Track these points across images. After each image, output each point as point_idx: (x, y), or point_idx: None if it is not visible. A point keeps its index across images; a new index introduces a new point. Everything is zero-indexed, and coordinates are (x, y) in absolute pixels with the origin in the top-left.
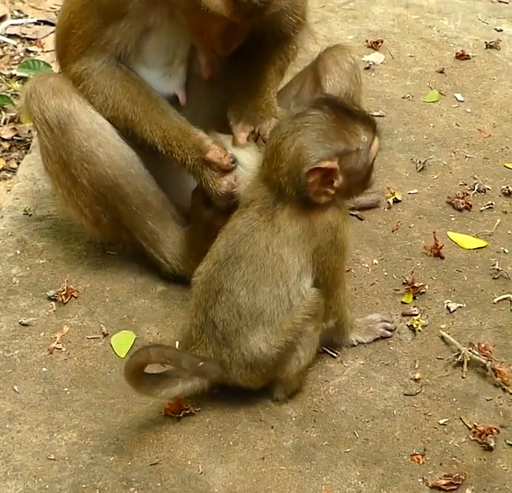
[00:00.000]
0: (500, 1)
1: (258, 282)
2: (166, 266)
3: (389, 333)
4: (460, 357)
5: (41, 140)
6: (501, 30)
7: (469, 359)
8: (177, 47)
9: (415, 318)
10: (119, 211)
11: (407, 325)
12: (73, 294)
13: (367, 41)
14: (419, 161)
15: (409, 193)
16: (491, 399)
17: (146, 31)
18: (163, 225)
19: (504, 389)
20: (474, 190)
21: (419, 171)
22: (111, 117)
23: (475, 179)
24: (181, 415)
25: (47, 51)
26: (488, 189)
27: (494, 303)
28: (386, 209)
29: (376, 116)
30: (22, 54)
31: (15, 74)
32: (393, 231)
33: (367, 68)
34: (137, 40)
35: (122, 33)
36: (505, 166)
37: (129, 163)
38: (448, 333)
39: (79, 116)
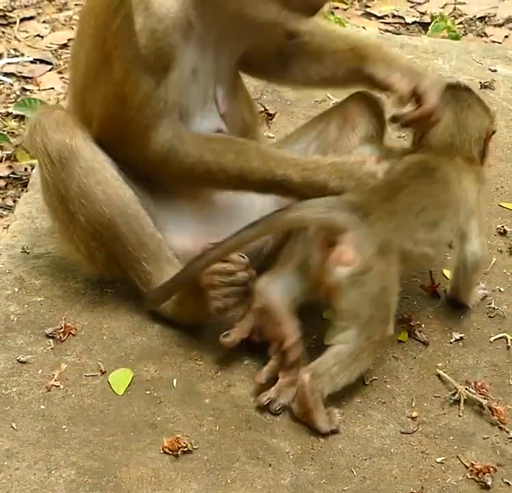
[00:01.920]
0: (493, 41)
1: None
2: (158, 308)
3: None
4: (457, 396)
5: (42, 172)
6: (495, 70)
7: (466, 397)
8: (209, 86)
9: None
10: (114, 249)
11: (404, 364)
12: (71, 331)
13: None
14: None
15: None
16: (488, 437)
17: (192, 74)
18: (157, 266)
19: (500, 428)
20: None
21: None
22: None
23: None
24: (179, 452)
25: (43, 90)
26: None
27: (490, 342)
28: None
29: None
30: (18, 92)
31: (11, 113)
32: None
33: None
34: (182, 89)
35: (173, 86)
36: (500, 205)
37: (126, 203)
38: (445, 371)
39: (80, 153)
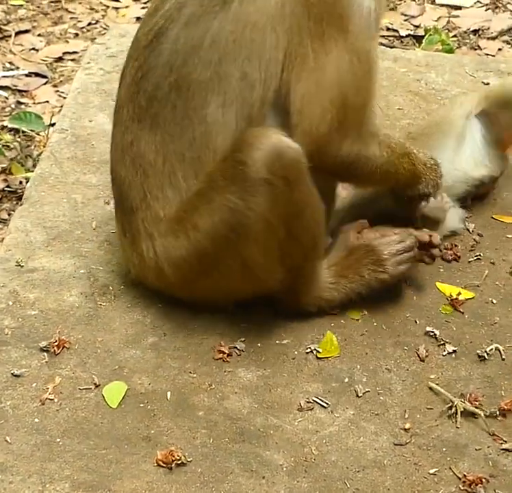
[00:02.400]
0: (487, 54)
1: None
2: None
3: None
4: (453, 408)
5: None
6: (488, 83)
7: (462, 409)
8: None
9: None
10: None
11: (397, 376)
12: (65, 345)
13: None
14: None
15: None
16: (481, 449)
17: None
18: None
19: (494, 439)
20: (462, 241)
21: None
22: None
23: (464, 229)
24: (173, 465)
25: (38, 103)
26: (476, 241)
27: (487, 352)
28: None
29: None
30: (13, 106)
31: (6, 126)
32: None
33: None
34: None
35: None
36: (493, 218)
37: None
38: (437, 383)
39: None
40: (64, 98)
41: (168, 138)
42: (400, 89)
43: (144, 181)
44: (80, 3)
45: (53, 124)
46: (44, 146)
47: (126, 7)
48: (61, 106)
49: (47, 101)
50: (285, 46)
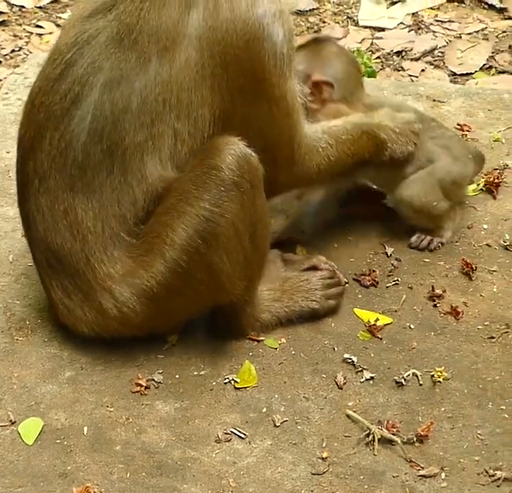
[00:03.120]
0: (410, 75)
1: None
2: None
3: None
4: (370, 437)
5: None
6: None
7: (379, 436)
8: None
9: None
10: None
11: (315, 404)
12: None
13: None
14: None
15: None
16: (398, 476)
17: None
18: None
19: (411, 466)
20: (381, 266)
21: None
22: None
23: (383, 254)
24: None
25: None
26: (394, 266)
27: (404, 378)
28: None
29: None
30: None
31: None
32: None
33: None
34: None
35: None
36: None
37: None
38: (355, 411)
39: None
40: None
41: (107, 203)
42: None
43: (84, 246)
44: (3, 30)
45: None
46: None
47: (50, 33)
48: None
49: None
50: (210, 104)
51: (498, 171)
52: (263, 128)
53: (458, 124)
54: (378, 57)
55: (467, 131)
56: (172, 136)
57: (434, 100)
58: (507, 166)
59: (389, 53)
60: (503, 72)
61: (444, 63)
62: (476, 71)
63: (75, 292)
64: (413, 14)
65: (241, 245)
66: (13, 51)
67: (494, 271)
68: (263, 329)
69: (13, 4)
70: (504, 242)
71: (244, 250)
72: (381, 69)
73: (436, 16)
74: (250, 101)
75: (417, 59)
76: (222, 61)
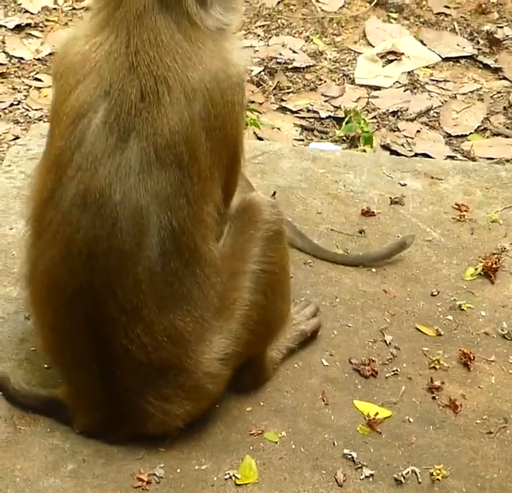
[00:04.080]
0: (405, 136)
1: None
2: None
3: None
4: None
5: None
6: (405, 184)
7: None
8: None
9: None
10: None
11: None
12: None
13: (274, 196)
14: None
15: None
16: None
17: None
18: None
19: None
20: (379, 355)
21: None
22: None
23: (382, 342)
24: None
25: None
26: (393, 355)
27: (404, 476)
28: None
29: None
30: None
31: None
32: (301, 402)
33: None
34: None
35: None
36: (416, 328)
37: None
38: None
39: None
40: None
41: (197, 300)
42: (318, 191)
43: (187, 347)
44: (2, 83)
45: None
46: None
47: (49, 87)
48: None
49: None
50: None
51: (496, 255)
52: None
53: (456, 204)
54: (374, 117)
55: (465, 211)
56: (213, 213)
57: (432, 177)
58: (505, 249)
59: (384, 113)
60: (498, 134)
61: (439, 124)
62: (471, 133)
63: (175, 392)
64: (409, 72)
65: (287, 284)
66: (11, 104)
67: (492, 361)
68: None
69: (12, 55)
70: (502, 330)
71: (288, 288)
72: (377, 129)
73: (431, 75)
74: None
75: (412, 120)
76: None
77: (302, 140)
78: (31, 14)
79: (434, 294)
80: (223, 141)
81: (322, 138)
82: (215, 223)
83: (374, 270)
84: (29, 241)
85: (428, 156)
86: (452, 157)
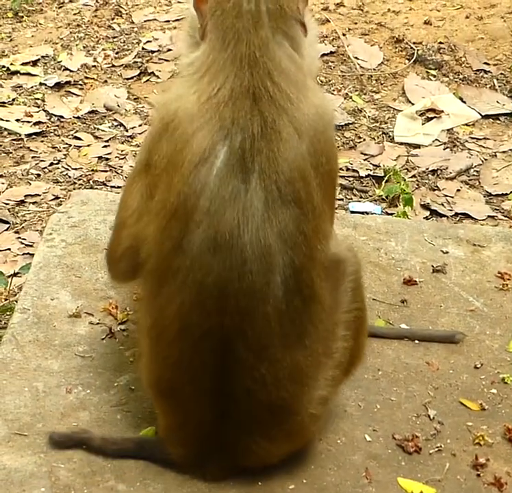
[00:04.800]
0: (446, 195)
1: None
2: None
3: None
4: None
5: None
6: (447, 252)
7: None
8: None
9: None
10: None
11: None
12: None
13: None
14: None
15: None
16: None
17: None
18: None
19: None
20: (423, 431)
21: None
22: None
23: (426, 416)
24: None
25: (0, 251)
26: (437, 430)
27: None
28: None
29: None
30: None
31: None
32: (344, 480)
33: None
34: None
35: None
36: (461, 402)
37: None
38: None
39: None
40: (26, 245)
41: (315, 337)
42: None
43: (304, 386)
44: (42, 141)
45: (15, 274)
46: (5, 299)
47: (88, 145)
48: (23, 254)
49: (9, 249)
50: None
51: None
52: None
53: (498, 272)
54: (414, 176)
55: (508, 279)
56: (323, 250)
57: (474, 244)
58: None
59: (424, 172)
60: None
61: (479, 182)
62: (511, 192)
63: (281, 433)
64: (449, 130)
65: (367, 321)
66: (51, 164)
67: None
68: None
69: (52, 114)
70: None
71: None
72: (416, 188)
73: (471, 132)
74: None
75: (452, 179)
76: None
77: (342, 200)
78: (71, 71)
79: (478, 366)
80: (328, 176)
81: (361, 198)
82: (324, 260)
83: (416, 341)
84: (148, 292)
85: (469, 216)
86: (492, 217)
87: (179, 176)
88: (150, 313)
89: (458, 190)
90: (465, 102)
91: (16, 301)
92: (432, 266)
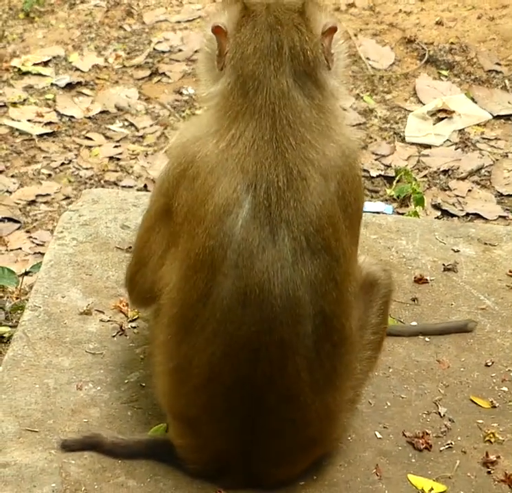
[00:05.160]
0: (457, 195)
1: None
2: None
3: None
4: None
5: None
6: (458, 251)
7: None
8: None
9: None
10: None
11: None
12: None
13: None
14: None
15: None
16: None
17: None
18: None
19: None
20: (434, 428)
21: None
22: None
23: (436, 414)
24: None
25: (11, 250)
26: (448, 427)
27: None
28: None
29: None
30: None
31: None
32: (355, 477)
33: None
34: None
35: None
36: (471, 400)
37: None
38: None
39: None
40: (37, 245)
41: (343, 373)
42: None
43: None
44: (53, 142)
45: (27, 273)
46: (16, 298)
47: (100, 145)
48: (34, 253)
49: (20, 248)
50: None
51: None
52: None
53: (510, 271)
54: (425, 176)
55: None
56: (354, 290)
57: (485, 243)
58: None
59: (436, 172)
60: None
61: (491, 183)
62: None
63: (304, 458)
64: (460, 130)
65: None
66: (62, 164)
67: None
68: None
69: (63, 114)
70: None
71: None
72: (428, 188)
73: (482, 133)
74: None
75: (463, 179)
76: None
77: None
78: (82, 72)
79: (489, 364)
80: (356, 215)
81: (372, 197)
82: (355, 299)
83: (427, 339)
84: (172, 337)
85: (480, 216)
86: (503, 217)
87: (203, 228)
88: (172, 357)
89: (469, 190)
90: (476, 102)
91: (27, 300)
92: (443, 265)
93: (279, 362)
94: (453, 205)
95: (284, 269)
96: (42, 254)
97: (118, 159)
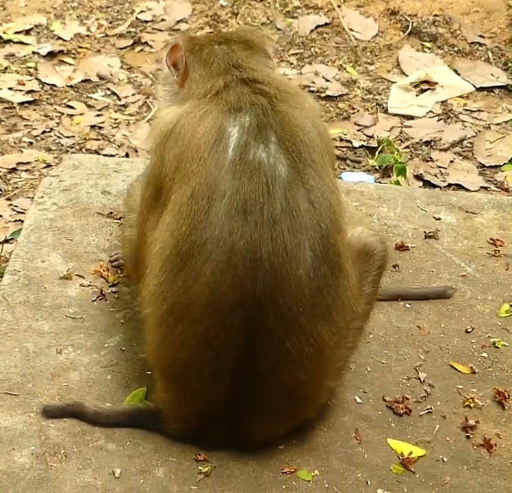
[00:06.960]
0: (439, 166)
1: None
2: None
3: None
4: None
5: None
6: (439, 218)
7: None
8: None
9: None
10: None
11: None
12: None
13: None
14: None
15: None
16: None
17: None
18: None
19: None
20: (413, 393)
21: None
22: None
23: (416, 379)
24: None
25: None
26: (427, 392)
27: None
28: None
29: None
30: None
31: None
32: (334, 441)
33: None
34: None
35: None
36: (451, 366)
37: None
38: None
39: None
40: (18, 212)
41: (338, 318)
42: (352, 225)
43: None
44: (34, 110)
45: (7, 241)
46: None
47: (81, 114)
48: (15, 221)
49: (0, 216)
50: None
51: None
52: None
53: (491, 239)
54: (407, 147)
55: (500, 245)
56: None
57: (466, 211)
58: None
59: (418, 143)
60: None
61: (473, 154)
62: (504, 163)
63: (287, 417)
64: (443, 102)
65: None
66: (44, 132)
67: None
68: None
69: (44, 82)
70: None
71: None
72: (410, 159)
73: (465, 105)
74: None
75: (445, 150)
76: None
77: (335, 170)
78: (64, 40)
79: (469, 330)
80: (331, 147)
81: (354, 167)
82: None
83: (407, 305)
84: (164, 279)
85: (461, 187)
86: (485, 188)
87: (197, 161)
88: (165, 298)
89: (451, 161)
90: (459, 74)
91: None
92: (425, 232)
93: (280, 276)
94: (435, 175)
95: (281, 177)
96: (23, 222)
97: (100, 128)
